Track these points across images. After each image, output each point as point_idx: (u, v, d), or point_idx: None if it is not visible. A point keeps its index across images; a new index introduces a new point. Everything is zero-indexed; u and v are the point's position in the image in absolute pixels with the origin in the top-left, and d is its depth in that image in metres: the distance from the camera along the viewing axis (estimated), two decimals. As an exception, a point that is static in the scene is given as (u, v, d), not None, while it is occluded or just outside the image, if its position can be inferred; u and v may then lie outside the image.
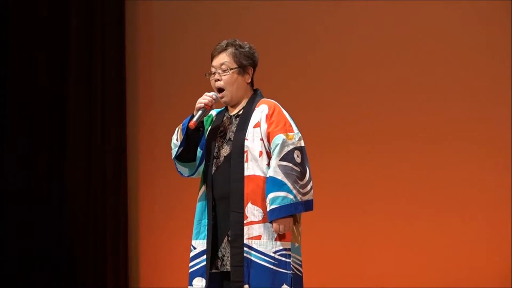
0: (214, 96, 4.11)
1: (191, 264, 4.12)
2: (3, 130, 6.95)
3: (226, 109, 4.20)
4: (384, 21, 6.70)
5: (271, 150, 3.97)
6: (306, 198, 3.94)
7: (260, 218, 3.96)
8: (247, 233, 3.95)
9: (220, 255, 4.04)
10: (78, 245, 6.91)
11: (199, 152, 4.16)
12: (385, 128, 6.64)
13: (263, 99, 4.13)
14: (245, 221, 3.96)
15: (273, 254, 3.94)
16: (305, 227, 4.12)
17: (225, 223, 4.02)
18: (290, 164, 3.92)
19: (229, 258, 3.99)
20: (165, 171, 6.52)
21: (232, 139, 4.06)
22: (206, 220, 4.08)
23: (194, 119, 4.05)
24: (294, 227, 3.99)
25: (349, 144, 6.68)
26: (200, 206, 4.13)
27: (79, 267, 6.89)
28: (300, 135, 4.01)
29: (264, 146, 4.00)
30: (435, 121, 6.56)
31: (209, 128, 4.19)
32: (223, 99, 4.12)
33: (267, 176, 3.94)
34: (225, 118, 4.17)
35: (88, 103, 7.00)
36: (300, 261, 4.04)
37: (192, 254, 4.13)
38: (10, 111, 6.96)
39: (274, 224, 3.92)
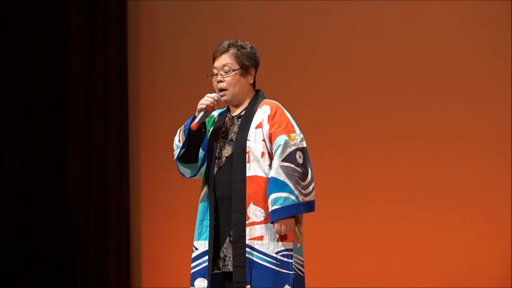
0: (215, 98, 4.11)
1: (193, 264, 4.13)
2: (4, 130, 6.94)
3: (228, 110, 4.20)
4: (384, 21, 6.70)
5: (273, 151, 3.97)
6: (308, 199, 3.95)
7: (262, 219, 3.96)
8: (249, 234, 3.95)
9: (222, 255, 4.04)
10: (79, 245, 6.90)
11: (201, 153, 4.16)
12: (385, 128, 6.64)
13: (265, 99, 4.13)
14: (247, 222, 3.96)
15: (275, 255, 3.94)
16: (307, 227, 4.12)
17: (227, 224, 4.03)
18: (292, 165, 3.93)
19: (231, 259, 3.99)
20: (167, 172, 6.51)
21: (234, 140, 4.06)
22: (208, 221, 4.09)
23: (196, 120, 4.05)
24: (296, 228, 4.00)
25: (350, 144, 6.68)
26: (202, 207, 4.13)
27: (80, 267, 6.89)
28: (302, 136, 4.01)
29: (266, 147, 4.01)
30: (435, 121, 6.57)
31: (211, 129, 4.18)
32: (223, 98, 4.12)
33: (269, 176, 3.94)
34: (227, 118, 4.17)
35: (89, 103, 7.00)
36: (302, 261, 4.04)
37: (194, 255, 4.13)
38: (10, 111, 6.95)
39: (276, 225, 3.92)
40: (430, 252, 6.48)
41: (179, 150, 4.15)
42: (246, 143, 4.02)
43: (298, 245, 4.02)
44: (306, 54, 6.82)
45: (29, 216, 6.89)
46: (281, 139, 3.96)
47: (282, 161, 3.93)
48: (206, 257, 4.07)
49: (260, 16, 6.91)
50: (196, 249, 4.12)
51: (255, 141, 4.01)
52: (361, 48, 6.71)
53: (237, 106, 4.15)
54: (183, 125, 4.15)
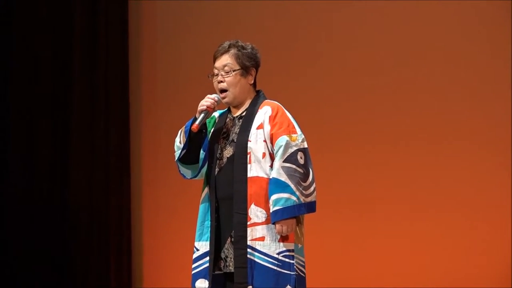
0: (216, 99, 4.11)
1: (194, 265, 4.13)
2: (6, 130, 6.94)
3: (229, 111, 4.20)
4: (384, 21, 6.70)
5: (275, 152, 3.97)
6: (309, 199, 3.95)
7: (264, 220, 3.96)
8: (251, 235, 3.95)
9: (223, 256, 4.05)
10: (80, 245, 6.90)
11: (202, 154, 4.15)
12: (385, 128, 6.64)
13: (266, 100, 4.13)
14: (248, 223, 3.96)
15: (276, 255, 3.94)
16: (308, 228, 4.12)
17: (228, 225, 4.03)
18: (294, 166, 3.93)
19: (232, 259, 3.99)
20: (168, 172, 6.51)
21: (235, 141, 4.06)
22: (209, 222, 4.09)
23: (197, 122, 4.05)
24: (297, 228, 4.00)
25: (350, 144, 6.68)
26: (203, 208, 4.13)
27: (81, 268, 6.89)
28: (303, 136, 4.01)
29: (267, 147, 4.00)
30: (435, 121, 6.57)
31: (212, 130, 4.18)
32: (225, 100, 4.12)
33: (270, 177, 3.94)
34: (228, 119, 4.17)
35: (91, 103, 7.00)
36: (304, 262, 4.04)
37: (195, 255, 4.13)
38: (12, 111, 6.95)
39: (277, 225, 3.93)
40: (430, 252, 6.49)
41: (180, 151, 4.14)
42: (247, 143, 4.01)
43: (299, 245, 4.02)
44: (306, 55, 6.82)
45: (30, 216, 6.89)
46: (282, 140, 3.95)
47: (284, 161, 3.93)
48: (207, 258, 4.06)
49: (261, 17, 6.91)
50: (197, 250, 4.12)
51: (256, 142, 4.01)
52: (361, 49, 6.71)
53: (238, 106, 4.15)
54: (184, 126, 4.15)
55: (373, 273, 6.54)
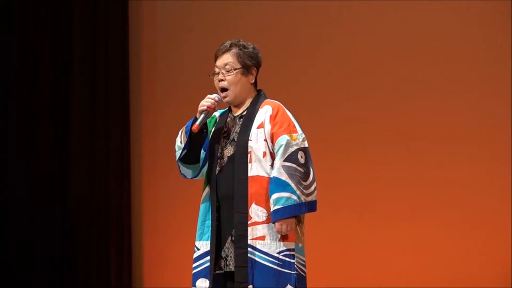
0: (216, 99, 4.11)
1: (194, 265, 4.13)
2: (6, 130, 6.94)
3: (230, 110, 4.20)
4: (385, 21, 6.70)
5: (275, 151, 3.97)
6: (309, 199, 3.95)
7: (264, 219, 3.96)
8: (251, 234, 3.95)
9: (223, 255, 4.05)
10: (81, 245, 6.90)
11: (203, 153, 4.16)
12: (385, 129, 6.64)
13: (266, 99, 4.13)
14: (249, 222, 3.96)
15: (277, 255, 3.94)
16: (308, 227, 4.12)
17: (228, 224, 4.03)
18: (294, 165, 3.93)
19: (233, 259, 3.99)
20: (169, 172, 6.51)
21: (235, 140, 4.06)
22: (210, 221, 4.09)
23: (197, 122, 4.05)
24: (297, 228, 4.00)
25: (351, 145, 6.68)
26: (203, 207, 4.13)
27: (82, 267, 6.89)
28: (304, 136, 4.01)
29: (268, 147, 4.01)
30: (435, 121, 6.57)
31: (212, 129, 4.18)
32: (226, 99, 4.12)
33: (271, 176, 3.95)
34: (228, 119, 4.17)
35: (91, 103, 7.00)
36: (304, 261, 4.04)
37: (195, 255, 4.13)
38: (13, 112, 6.95)
39: (277, 224, 3.93)
40: (430, 252, 6.49)
41: (180, 151, 4.15)
42: (248, 143, 4.01)
43: (300, 245, 4.02)
44: (307, 55, 6.82)
45: (31, 216, 6.89)
46: (283, 139, 3.96)
47: (284, 161, 3.93)
48: (208, 258, 4.07)
49: (262, 17, 6.91)
50: (198, 249, 4.12)
51: (257, 141, 4.01)
52: (362, 49, 6.71)
53: (238, 106, 4.15)
54: (185, 126, 4.15)
55: (373, 273, 6.54)
